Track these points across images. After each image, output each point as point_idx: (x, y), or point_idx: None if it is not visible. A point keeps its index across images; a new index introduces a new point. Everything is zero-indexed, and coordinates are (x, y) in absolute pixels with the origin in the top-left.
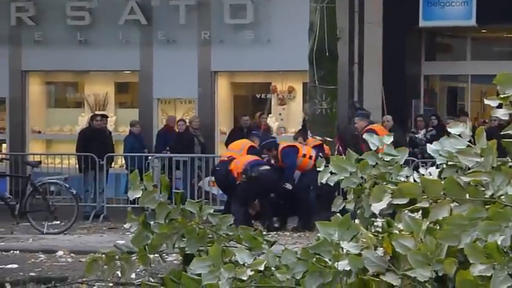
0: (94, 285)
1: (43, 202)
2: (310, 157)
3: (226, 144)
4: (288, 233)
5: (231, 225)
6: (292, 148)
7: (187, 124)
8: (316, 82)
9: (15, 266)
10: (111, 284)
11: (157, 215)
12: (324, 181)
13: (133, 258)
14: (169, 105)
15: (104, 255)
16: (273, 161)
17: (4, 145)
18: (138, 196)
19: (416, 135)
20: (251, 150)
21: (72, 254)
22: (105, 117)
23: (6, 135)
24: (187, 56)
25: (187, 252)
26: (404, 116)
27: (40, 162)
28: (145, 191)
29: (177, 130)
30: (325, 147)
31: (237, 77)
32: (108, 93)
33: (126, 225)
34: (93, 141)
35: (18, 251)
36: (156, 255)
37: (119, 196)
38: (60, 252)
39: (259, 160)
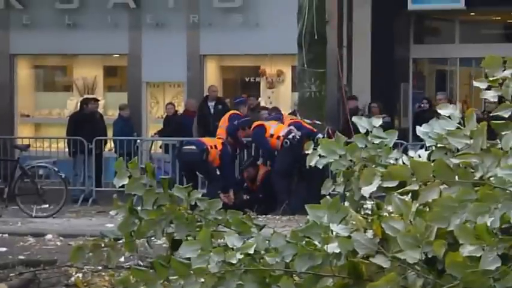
0: (83, 269)
1: (32, 186)
2: (278, 137)
3: None
4: (277, 217)
5: (219, 209)
6: (259, 128)
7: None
8: (305, 65)
9: (4, 249)
10: (100, 267)
11: (144, 201)
12: (312, 164)
13: (119, 244)
14: (158, 89)
15: (89, 243)
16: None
17: None
18: (124, 183)
19: None
20: (232, 118)
21: (61, 238)
22: (96, 100)
23: None
24: (176, 39)
25: (175, 238)
26: (392, 100)
27: (29, 145)
28: (131, 178)
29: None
30: (305, 124)
31: (225, 61)
32: (97, 77)
33: (112, 212)
34: (84, 125)
35: (7, 235)
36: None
37: (108, 180)
38: (49, 236)
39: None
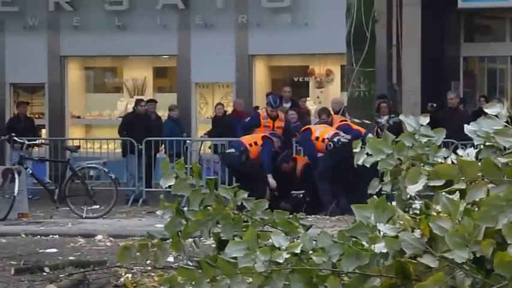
0: (133, 269)
1: (82, 187)
2: (323, 140)
3: None
4: (326, 217)
5: (265, 209)
6: (305, 132)
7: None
8: (354, 64)
9: (54, 250)
10: (149, 268)
11: (191, 201)
12: (360, 163)
13: (166, 244)
14: (207, 90)
15: (136, 243)
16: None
17: (43, 130)
18: (170, 183)
19: (379, 120)
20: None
21: (111, 238)
22: (153, 101)
23: (45, 121)
24: (225, 40)
25: (222, 238)
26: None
27: (79, 147)
28: (177, 179)
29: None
30: (353, 126)
31: (274, 61)
32: (147, 78)
33: (159, 213)
34: (135, 126)
35: (57, 236)
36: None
37: (158, 181)
38: (99, 236)
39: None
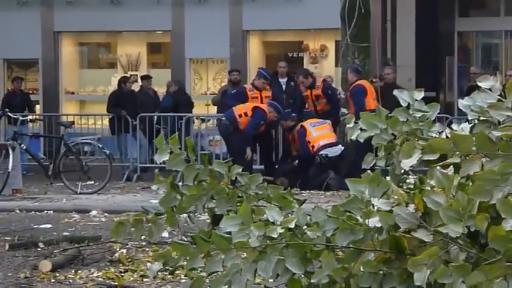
0: (127, 244)
1: (76, 162)
2: (313, 146)
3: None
4: (320, 192)
5: (260, 184)
6: (301, 130)
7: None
8: (349, 40)
9: (48, 226)
10: (144, 243)
11: (185, 177)
12: (354, 138)
13: (161, 219)
14: (202, 65)
15: (131, 218)
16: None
17: (37, 106)
18: (165, 159)
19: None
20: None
21: (105, 214)
22: (148, 77)
23: (39, 96)
24: (219, 15)
25: (216, 213)
26: (438, 74)
27: (73, 122)
28: (172, 154)
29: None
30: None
31: (268, 36)
32: (141, 54)
33: (154, 187)
34: (124, 103)
35: (51, 211)
36: (185, 215)
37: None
38: (93, 212)
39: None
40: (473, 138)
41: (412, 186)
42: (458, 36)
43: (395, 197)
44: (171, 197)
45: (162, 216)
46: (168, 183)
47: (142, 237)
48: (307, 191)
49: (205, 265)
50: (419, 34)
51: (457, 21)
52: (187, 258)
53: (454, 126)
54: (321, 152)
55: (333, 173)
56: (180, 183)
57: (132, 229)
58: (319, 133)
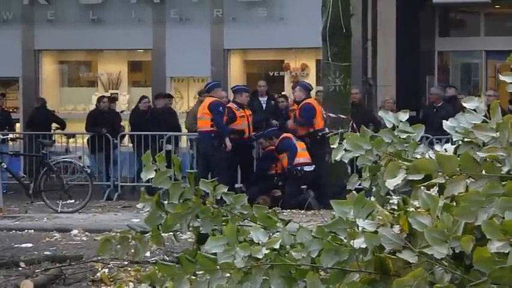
0: (109, 264)
1: (57, 181)
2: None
3: None
4: (302, 211)
5: (245, 204)
6: (287, 140)
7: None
8: (330, 59)
9: (30, 245)
10: (126, 262)
11: (171, 195)
12: (338, 158)
13: (146, 238)
14: (183, 84)
15: (117, 235)
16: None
17: (18, 124)
18: (151, 177)
19: None
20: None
21: (86, 233)
22: (170, 96)
23: (19, 115)
24: (200, 34)
25: (201, 232)
26: (418, 93)
27: (54, 141)
28: (158, 172)
29: None
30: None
31: (249, 55)
32: (122, 72)
33: (139, 205)
34: (103, 122)
35: (32, 230)
36: (170, 233)
37: (132, 174)
38: (74, 231)
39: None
40: (458, 159)
41: (395, 207)
42: (439, 55)
43: (380, 218)
44: (156, 215)
45: (148, 235)
46: (154, 202)
47: (125, 256)
48: (288, 210)
49: (190, 286)
50: (400, 54)
51: (437, 41)
52: (173, 278)
53: (437, 147)
54: (298, 168)
55: (312, 192)
56: (166, 202)
57: (118, 247)
58: (300, 149)
